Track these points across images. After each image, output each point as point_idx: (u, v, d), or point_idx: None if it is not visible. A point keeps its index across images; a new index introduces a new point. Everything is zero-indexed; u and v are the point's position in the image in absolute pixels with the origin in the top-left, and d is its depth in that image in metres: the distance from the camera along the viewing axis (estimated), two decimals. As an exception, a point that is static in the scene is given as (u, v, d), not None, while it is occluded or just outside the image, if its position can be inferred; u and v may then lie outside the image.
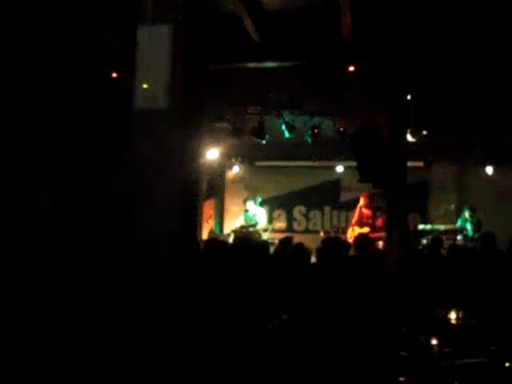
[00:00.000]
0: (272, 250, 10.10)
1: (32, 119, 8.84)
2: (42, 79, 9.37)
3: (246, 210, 14.46)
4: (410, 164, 11.42)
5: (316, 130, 13.39)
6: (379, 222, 13.20)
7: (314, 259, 8.15)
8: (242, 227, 14.14)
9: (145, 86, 4.11)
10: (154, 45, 4.13)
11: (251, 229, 13.99)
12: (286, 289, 6.09)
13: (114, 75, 10.79)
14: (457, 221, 13.58)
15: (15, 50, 8.27)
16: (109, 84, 10.79)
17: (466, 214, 13.33)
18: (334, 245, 7.58)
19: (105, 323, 4.42)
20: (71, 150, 10.57)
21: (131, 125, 4.24)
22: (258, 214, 14.32)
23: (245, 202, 14.70)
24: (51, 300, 4.69)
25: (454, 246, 9.84)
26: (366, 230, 13.32)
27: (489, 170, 13.79)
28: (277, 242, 11.30)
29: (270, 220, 15.71)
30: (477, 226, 12.98)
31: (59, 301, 4.69)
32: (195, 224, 5.13)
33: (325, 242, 7.90)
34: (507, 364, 4.76)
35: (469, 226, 13.13)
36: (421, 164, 15.32)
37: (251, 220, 14.25)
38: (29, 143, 8.47)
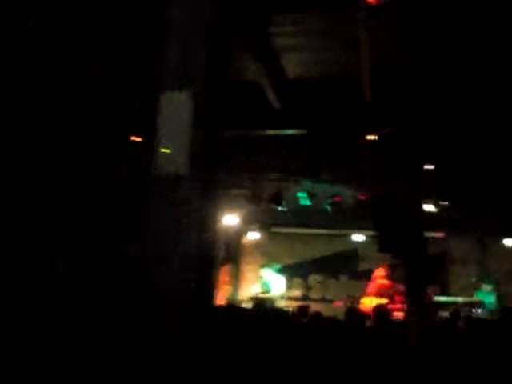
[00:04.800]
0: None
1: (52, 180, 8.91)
2: (64, 141, 9.47)
3: (261, 277, 14.41)
4: (429, 234, 11.30)
5: (336, 198, 13.31)
6: (399, 295, 13.03)
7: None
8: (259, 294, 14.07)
9: (165, 151, 4.10)
10: (175, 111, 4.15)
11: (266, 295, 13.89)
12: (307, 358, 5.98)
13: (136, 139, 10.86)
14: (476, 293, 13.33)
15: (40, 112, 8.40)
16: (129, 148, 10.87)
17: (488, 286, 13.08)
18: (357, 316, 7.51)
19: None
20: (91, 213, 10.60)
21: (150, 189, 4.22)
22: (273, 282, 14.23)
23: (261, 268, 14.65)
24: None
25: (470, 318, 9.66)
26: (384, 301, 13.12)
27: (509, 242, 13.57)
28: (291, 309, 11.18)
29: (286, 287, 15.56)
30: (500, 300, 12.71)
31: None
32: (211, 289, 5.08)
33: (348, 312, 7.81)
34: None
35: (491, 299, 12.86)
36: (441, 234, 15.13)
37: (266, 287, 14.18)
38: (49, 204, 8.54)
